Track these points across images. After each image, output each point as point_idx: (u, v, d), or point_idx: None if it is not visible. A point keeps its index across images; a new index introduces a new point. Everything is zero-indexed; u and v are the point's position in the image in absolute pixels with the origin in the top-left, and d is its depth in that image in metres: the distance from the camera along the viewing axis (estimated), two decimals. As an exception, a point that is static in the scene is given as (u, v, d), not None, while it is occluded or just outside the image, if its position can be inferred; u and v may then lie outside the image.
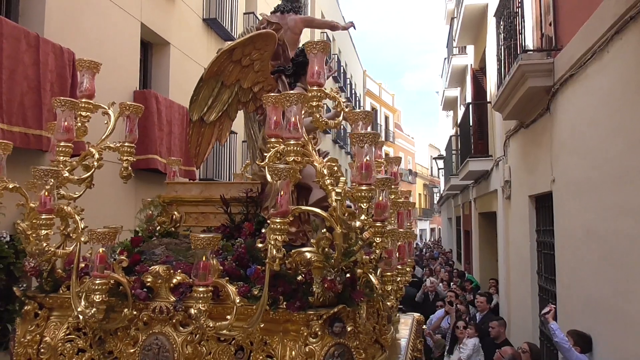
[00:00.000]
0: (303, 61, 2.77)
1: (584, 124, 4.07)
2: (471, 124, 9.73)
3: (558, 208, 4.78)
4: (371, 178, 1.77)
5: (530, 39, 5.55)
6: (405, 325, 3.27)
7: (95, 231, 1.80)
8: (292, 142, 1.85)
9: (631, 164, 3.18)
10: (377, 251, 1.91)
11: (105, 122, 2.30)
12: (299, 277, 1.88)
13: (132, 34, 6.33)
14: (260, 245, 1.77)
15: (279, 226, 1.67)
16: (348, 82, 20.37)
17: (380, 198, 1.85)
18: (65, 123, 2.12)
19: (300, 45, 3.05)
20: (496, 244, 8.84)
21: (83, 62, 2.24)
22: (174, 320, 1.93)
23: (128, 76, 6.22)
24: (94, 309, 1.82)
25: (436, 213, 35.29)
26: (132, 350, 1.95)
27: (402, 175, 27.22)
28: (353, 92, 21.64)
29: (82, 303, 1.88)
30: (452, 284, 8.98)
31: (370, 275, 1.99)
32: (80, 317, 1.88)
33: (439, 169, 20.32)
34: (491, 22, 7.60)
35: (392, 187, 2.35)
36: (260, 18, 3.30)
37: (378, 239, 1.85)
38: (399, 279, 2.36)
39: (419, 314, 3.73)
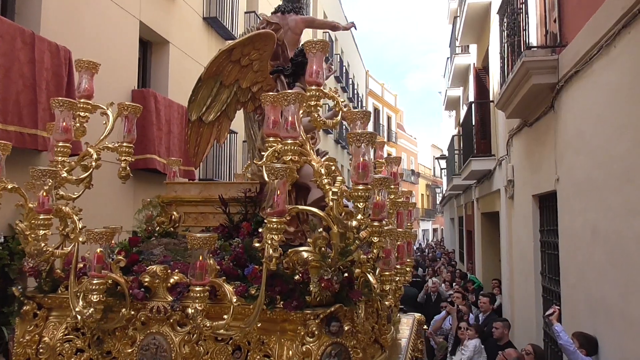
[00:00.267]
0: (302, 61, 2.77)
1: (589, 121, 4.01)
2: (474, 124, 9.69)
3: (562, 207, 4.74)
4: (368, 177, 1.76)
5: (534, 36, 5.51)
6: (406, 325, 3.25)
7: (92, 231, 1.81)
8: (289, 141, 1.85)
9: (639, 161, 3.11)
10: (375, 251, 1.90)
11: (104, 122, 2.30)
12: (296, 277, 1.88)
13: (130, 32, 6.32)
14: (257, 244, 1.77)
15: (275, 225, 1.66)
16: (350, 82, 20.37)
17: (378, 198, 1.84)
18: (64, 123, 2.12)
19: (300, 45, 3.05)
20: (499, 244, 8.80)
21: (82, 63, 2.24)
22: (171, 320, 1.93)
23: (126, 75, 6.21)
24: (92, 309, 1.83)
25: (439, 213, 35.23)
26: (130, 350, 1.95)
27: (404, 175, 27.25)
28: (355, 92, 21.65)
29: (80, 303, 1.88)
30: (454, 284, 8.94)
31: (369, 275, 1.99)
32: (78, 317, 1.88)
33: (441, 169, 20.31)
34: (494, 20, 7.57)
35: (392, 187, 2.35)
36: (261, 17, 3.30)
37: (376, 238, 1.84)
38: (397, 278, 2.35)
39: (419, 314, 3.71)
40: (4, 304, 3.63)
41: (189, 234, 1.76)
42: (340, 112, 2.09)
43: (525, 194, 6.33)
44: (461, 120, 12.51)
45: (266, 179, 1.76)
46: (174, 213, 2.63)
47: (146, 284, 1.95)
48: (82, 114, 2.24)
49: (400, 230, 2.33)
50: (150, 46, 7.18)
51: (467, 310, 6.25)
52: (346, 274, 1.93)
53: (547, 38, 5.25)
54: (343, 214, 1.82)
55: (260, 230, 1.78)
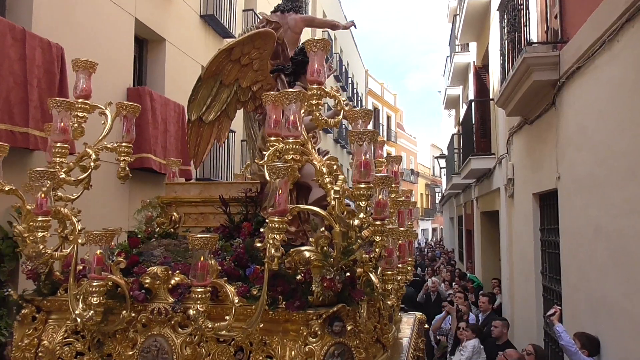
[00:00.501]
0: (302, 60, 2.76)
1: (591, 118, 3.97)
2: (473, 122, 9.68)
3: (564, 206, 4.71)
4: (370, 176, 1.75)
5: (535, 32, 5.48)
6: (408, 324, 3.24)
7: (92, 233, 1.79)
8: (291, 140, 1.83)
9: (641, 158, 3.08)
10: (377, 250, 1.89)
11: (103, 122, 2.28)
12: (298, 277, 1.87)
13: (125, 29, 6.25)
14: (258, 244, 1.76)
15: (277, 225, 1.65)
16: (350, 81, 20.36)
17: (380, 196, 1.83)
18: (62, 124, 2.10)
19: (300, 44, 3.03)
20: (499, 243, 8.78)
21: (79, 62, 2.22)
22: (172, 322, 1.91)
23: (121, 73, 6.13)
24: (92, 312, 1.81)
25: (438, 213, 35.23)
26: (130, 353, 1.93)
27: (404, 174, 27.27)
28: (355, 91, 21.63)
29: (80, 305, 1.86)
30: (453, 284, 8.93)
31: (371, 274, 1.97)
32: (78, 319, 1.86)
33: (440, 168, 20.28)
34: (494, 17, 7.55)
35: (393, 186, 2.33)
36: (260, 16, 3.28)
37: (378, 237, 1.82)
38: (399, 277, 2.34)
39: (420, 313, 3.70)
40: (-3, 307, 3.58)
41: (190, 234, 1.74)
42: (342, 111, 2.08)
43: (526, 192, 6.31)
44: (461, 119, 12.51)
45: (267, 178, 1.74)
46: (174, 214, 2.61)
47: (147, 285, 1.93)
48: (80, 114, 2.22)
49: (401, 229, 2.32)
50: (146, 44, 7.10)
51: (466, 310, 6.23)
52: (348, 274, 1.91)
53: (548, 34, 5.23)
54: (345, 213, 1.80)
55: (261, 230, 1.77)
